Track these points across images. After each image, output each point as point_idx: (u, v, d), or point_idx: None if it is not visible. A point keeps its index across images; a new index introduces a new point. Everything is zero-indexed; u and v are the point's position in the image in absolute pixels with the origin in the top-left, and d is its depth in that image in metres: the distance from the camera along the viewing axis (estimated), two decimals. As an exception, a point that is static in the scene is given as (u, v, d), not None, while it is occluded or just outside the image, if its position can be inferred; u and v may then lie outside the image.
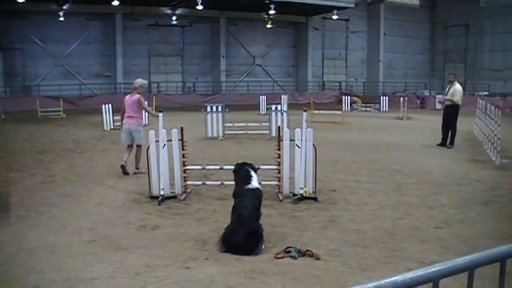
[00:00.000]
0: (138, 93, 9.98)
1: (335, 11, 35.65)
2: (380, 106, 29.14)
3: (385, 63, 43.97)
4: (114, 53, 35.23)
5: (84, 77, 35.07)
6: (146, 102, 10.33)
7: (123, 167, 9.45)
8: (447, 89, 13.63)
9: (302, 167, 7.38)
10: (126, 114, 9.86)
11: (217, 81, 38.68)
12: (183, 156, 7.84)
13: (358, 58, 44.60)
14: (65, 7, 31.10)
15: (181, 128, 7.80)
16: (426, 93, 37.02)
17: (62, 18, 31.67)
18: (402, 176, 9.39)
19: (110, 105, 18.72)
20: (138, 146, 9.85)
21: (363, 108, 29.65)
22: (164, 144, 7.52)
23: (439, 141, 13.68)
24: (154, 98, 24.69)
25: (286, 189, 7.65)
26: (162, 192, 7.50)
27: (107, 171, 10.02)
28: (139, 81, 10.21)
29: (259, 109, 26.24)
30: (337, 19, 37.74)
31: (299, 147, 7.37)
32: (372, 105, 29.86)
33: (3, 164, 10.75)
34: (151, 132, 7.52)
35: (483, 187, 8.40)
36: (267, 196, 7.58)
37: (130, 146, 9.89)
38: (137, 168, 9.74)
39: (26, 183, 8.81)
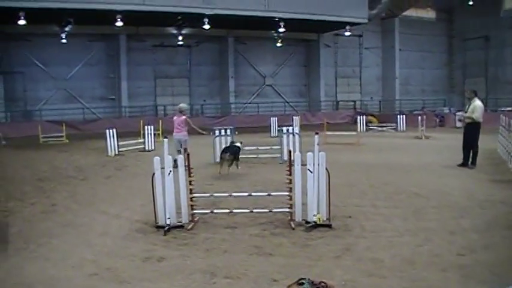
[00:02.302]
0: (184, 114, 14.22)
1: (348, 27, 35.85)
2: (397, 125, 29.04)
3: (402, 80, 44.00)
4: (119, 75, 35.59)
5: (87, 100, 35.42)
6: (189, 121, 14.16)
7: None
8: (467, 106, 13.58)
9: (315, 192, 7.35)
10: (175, 130, 14.04)
11: (226, 102, 38.89)
12: (190, 184, 7.83)
13: (373, 75, 44.69)
14: (67, 28, 31.57)
15: (187, 154, 7.82)
16: (445, 110, 36.91)
17: (64, 40, 32.13)
18: (421, 199, 9.31)
19: (114, 129, 18.79)
20: (185, 149, 12.92)
21: (379, 128, 29.57)
22: (170, 171, 7.53)
23: (460, 161, 13.57)
24: (160, 121, 24.80)
25: (298, 217, 7.60)
26: (168, 222, 7.49)
27: (110, 199, 10.04)
28: (183, 106, 14.72)
29: (270, 131, 26.29)
30: (350, 35, 37.92)
31: (311, 172, 7.35)
32: (388, 124, 29.78)
33: (2, 193, 10.81)
34: (156, 159, 7.53)
35: (508, 209, 8.29)
36: (278, 224, 7.56)
37: (179, 151, 13.06)
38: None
39: (26, 213, 8.85)
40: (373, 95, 44.55)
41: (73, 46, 33.53)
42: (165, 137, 7.86)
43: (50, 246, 6.79)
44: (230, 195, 8.13)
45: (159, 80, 38.05)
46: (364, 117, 29.90)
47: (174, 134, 13.95)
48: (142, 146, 20.02)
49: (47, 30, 31.86)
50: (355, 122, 29.11)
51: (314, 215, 7.32)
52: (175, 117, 14.34)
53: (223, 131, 15.67)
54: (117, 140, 18.68)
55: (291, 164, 7.57)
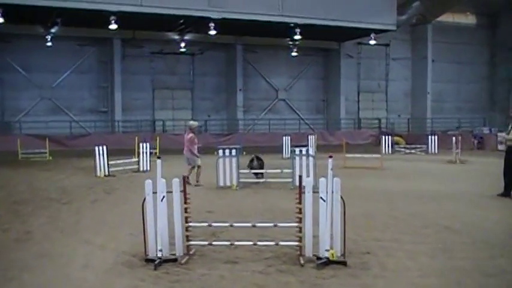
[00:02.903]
0: (192, 132, 15.99)
1: (373, 35, 35.97)
2: (428, 147, 28.91)
3: (434, 96, 43.94)
4: (112, 84, 35.89)
5: (75, 112, 35.71)
6: (196, 146, 15.95)
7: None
8: (510, 126, 13.45)
9: (328, 224, 7.27)
10: (184, 148, 15.88)
11: (233, 118, 39.03)
12: (186, 211, 7.79)
13: (401, 90, 44.72)
14: (53, 30, 31.84)
15: (184, 178, 7.80)
16: (485, 130, 36.74)
17: (49, 43, 32.48)
18: (452, 233, 9.18)
19: (105, 146, 18.77)
20: (198, 167, 15.80)
21: (407, 150, 29.44)
22: (163, 197, 7.51)
23: (501, 190, 13.40)
24: (157, 138, 24.86)
25: (308, 252, 7.51)
26: (159, 254, 7.44)
27: (95, 227, 10.01)
28: (192, 123, 16.74)
29: (283, 152, 26.24)
30: (375, 44, 38.08)
31: (324, 201, 7.29)
32: (417, 146, 29.64)
33: (-30, 217, 10.84)
34: (148, 182, 7.51)
35: (555, 249, 8.15)
36: (285, 260, 7.47)
37: (191, 167, 15.68)
38: (197, 181, 15.46)
39: (-4, 241, 8.84)
40: (401, 112, 44.55)
41: (60, 50, 33.95)
42: (159, 157, 7.84)
43: (20, 282, 6.72)
44: (231, 225, 8.05)
45: (157, 91, 38.37)
46: (389, 137, 29.79)
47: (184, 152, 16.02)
48: (136, 166, 20.02)
49: (31, 30, 32.16)
50: (379, 143, 29.02)
51: (327, 250, 7.24)
52: (185, 135, 16.33)
53: (227, 152, 15.56)
54: (108, 159, 18.67)
55: (301, 190, 7.51)
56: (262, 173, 15.89)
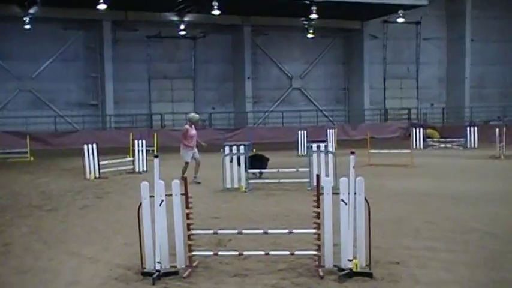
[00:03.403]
0: (193, 126, 17.04)
1: (401, 12, 35.83)
2: (466, 141, 28.78)
3: (474, 81, 43.67)
4: (102, 74, 36.01)
5: (60, 106, 35.87)
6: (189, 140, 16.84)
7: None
8: None
9: (350, 230, 7.25)
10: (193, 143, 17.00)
11: (241, 111, 39.07)
12: (188, 217, 7.80)
13: (434, 75, 44.54)
14: (31, 11, 31.72)
15: (185, 179, 7.80)
16: (534, 120, 36.49)
17: (28, 26, 32.32)
18: (498, 241, 9.13)
19: (95, 145, 18.83)
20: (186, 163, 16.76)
21: (442, 145, 29.32)
22: (162, 201, 7.52)
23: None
24: (155, 135, 24.83)
25: (328, 262, 7.50)
26: (158, 267, 7.45)
27: (85, 236, 10.04)
28: (192, 115, 17.47)
29: (298, 148, 26.24)
30: (403, 22, 37.91)
31: (345, 204, 7.28)
32: (454, 140, 29.50)
33: None
34: (144, 184, 7.52)
35: None
36: (302, 271, 7.46)
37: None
38: (195, 178, 16.26)
39: (-32, 255, 8.88)
40: (434, 101, 44.38)
41: (41, 35, 34.03)
42: (156, 156, 7.84)
43: (0, 301, 6.78)
44: (240, 233, 8.04)
45: (154, 81, 38.50)
46: (421, 130, 29.70)
47: None
48: (131, 167, 20.10)
49: (5, 11, 32.12)
50: (409, 136, 28.93)
51: (349, 260, 7.22)
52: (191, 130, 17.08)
53: (235, 149, 15.57)
54: (99, 159, 18.72)
55: (319, 192, 7.49)
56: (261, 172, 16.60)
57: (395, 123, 41.06)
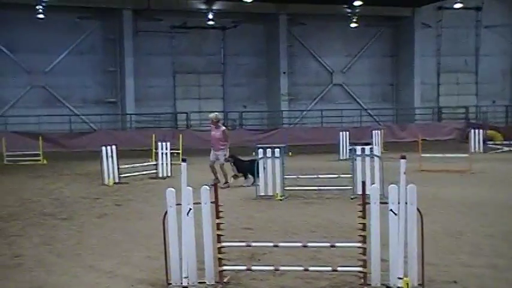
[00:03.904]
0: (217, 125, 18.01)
1: (458, -4, 35.52)
2: (535, 144, 28.43)
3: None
4: (122, 68, 36.19)
5: (76, 104, 36.14)
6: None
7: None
8: None
9: (401, 244, 7.22)
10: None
11: (276, 110, 39.01)
12: (218, 228, 7.83)
13: (497, 68, 43.95)
14: (45, -1, 31.90)
15: (215, 185, 7.83)
16: None
17: (41, 16, 32.49)
18: None
19: (114, 147, 18.90)
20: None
21: (506, 148, 28.96)
22: (189, 210, 7.56)
23: None
24: (180, 136, 24.94)
25: (375, 280, 7.47)
26: (185, 283, 7.50)
27: (103, 248, 10.11)
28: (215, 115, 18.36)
29: (339, 152, 26.11)
30: (461, 8, 37.47)
31: (395, 214, 7.25)
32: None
33: None
34: (170, 191, 7.56)
35: None
36: (346, 290, 7.46)
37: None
38: (226, 183, 17.15)
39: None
40: (497, 97, 43.77)
41: (55, 24, 34.30)
42: (184, 160, 7.89)
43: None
44: (276, 246, 8.06)
45: (179, 76, 38.63)
46: (480, 131, 29.37)
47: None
48: (154, 171, 20.19)
49: (16, 0, 32.39)
50: (467, 138, 28.61)
51: (399, 278, 7.19)
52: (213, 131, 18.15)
53: (269, 152, 15.56)
54: (118, 162, 18.85)
55: (364, 201, 7.48)
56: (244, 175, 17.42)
57: (450, 124, 40.56)
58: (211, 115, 18.16)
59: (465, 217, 12.33)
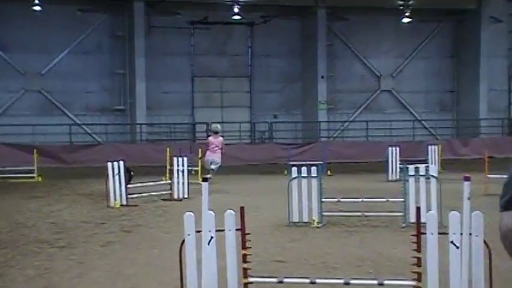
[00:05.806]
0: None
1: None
2: None
3: None
4: (132, 71, 36.41)
5: (77, 111, 36.40)
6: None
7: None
8: None
9: (464, 284, 7.19)
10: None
11: (312, 120, 38.96)
12: (244, 260, 7.84)
13: None
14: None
15: (242, 209, 7.86)
16: None
17: (37, 8, 32.77)
18: None
19: (122, 162, 18.96)
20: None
21: None
22: (211, 238, 7.57)
23: None
24: (199, 150, 24.96)
25: (433, 324, 7.45)
26: (205, 322, 7.53)
27: (108, 282, 10.16)
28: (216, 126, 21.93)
29: (388, 171, 26.03)
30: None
31: (457, 247, 7.21)
32: None
33: None
34: (189, 215, 7.58)
35: None
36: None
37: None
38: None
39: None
40: None
41: (54, 19, 34.73)
42: (205, 180, 7.91)
43: None
44: (313, 282, 8.06)
45: (199, 80, 38.84)
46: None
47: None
48: (168, 192, 20.24)
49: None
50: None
51: (462, 323, 7.16)
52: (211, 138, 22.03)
53: (304, 170, 15.52)
54: (127, 181, 18.99)
55: (419, 231, 7.45)
56: None
57: (522, 138, 40.42)
58: (218, 127, 23.47)
59: (540, 251, 12.20)
